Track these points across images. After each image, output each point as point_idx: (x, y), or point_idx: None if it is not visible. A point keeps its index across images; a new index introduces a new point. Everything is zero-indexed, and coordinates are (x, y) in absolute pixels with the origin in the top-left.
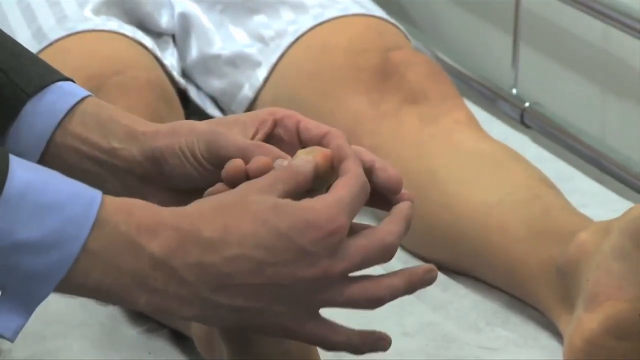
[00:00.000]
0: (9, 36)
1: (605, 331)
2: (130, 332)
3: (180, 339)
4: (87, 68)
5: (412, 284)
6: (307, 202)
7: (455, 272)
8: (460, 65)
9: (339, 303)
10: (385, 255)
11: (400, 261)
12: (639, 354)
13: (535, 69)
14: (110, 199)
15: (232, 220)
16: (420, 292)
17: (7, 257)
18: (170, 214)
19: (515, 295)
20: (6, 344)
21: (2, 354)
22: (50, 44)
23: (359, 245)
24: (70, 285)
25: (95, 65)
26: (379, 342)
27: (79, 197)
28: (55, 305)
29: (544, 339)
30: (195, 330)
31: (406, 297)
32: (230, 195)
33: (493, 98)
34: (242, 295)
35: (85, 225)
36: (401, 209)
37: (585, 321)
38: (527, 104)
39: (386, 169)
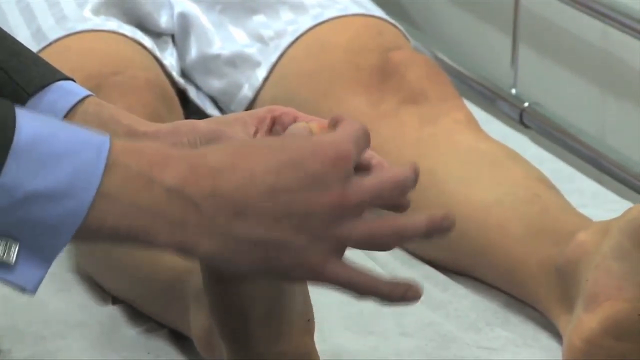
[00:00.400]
0: (10, 35)
1: (604, 331)
2: (130, 332)
3: (179, 339)
4: (86, 68)
5: (431, 226)
6: (311, 137)
7: (455, 272)
8: (460, 65)
9: (360, 237)
10: (401, 191)
11: (400, 261)
12: (638, 354)
13: (534, 69)
14: (118, 142)
15: (238, 152)
16: None
17: (22, 208)
18: (177, 150)
19: (515, 295)
20: (5, 344)
21: (2, 354)
22: (50, 44)
23: (372, 178)
24: (88, 232)
25: (94, 65)
26: (410, 289)
27: (89, 144)
28: (55, 305)
29: (544, 339)
30: (195, 330)
31: None
32: (237, 138)
33: (492, 98)
34: (260, 225)
35: (97, 170)
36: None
37: (585, 321)
38: (526, 104)
39: (382, 165)
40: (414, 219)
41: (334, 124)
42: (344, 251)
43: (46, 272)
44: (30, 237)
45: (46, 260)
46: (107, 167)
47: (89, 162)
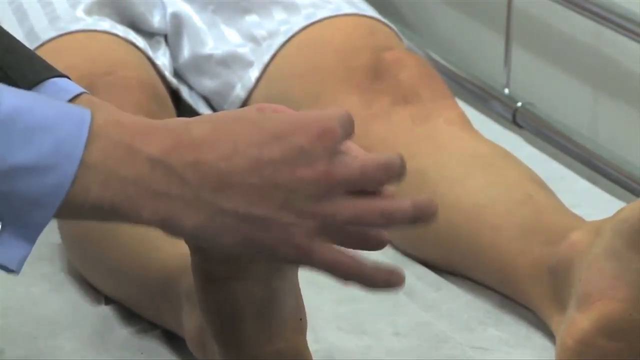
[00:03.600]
0: (7, 32)
1: (597, 331)
2: (123, 332)
3: (172, 339)
4: (79, 68)
5: (417, 210)
6: (296, 112)
7: (448, 272)
8: (453, 65)
9: (346, 216)
10: (385, 173)
11: (392, 261)
12: (631, 354)
13: (527, 68)
14: (100, 114)
15: (221, 124)
16: (412, 292)
17: (4, 183)
18: (160, 121)
19: (508, 295)
20: None
21: None
22: (42, 44)
23: (358, 158)
24: (71, 207)
25: (86, 65)
26: (393, 274)
27: (70, 116)
28: (47, 305)
29: (537, 338)
30: (188, 330)
31: (398, 297)
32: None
33: (485, 98)
34: (245, 198)
35: (79, 142)
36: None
37: (578, 321)
38: (519, 104)
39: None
40: (400, 201)
41: None
42: (331, 233)
43: (30, 251)
44: (13, 214)
45: (30, 238)
46: (89, 139)
47: (71, 134)
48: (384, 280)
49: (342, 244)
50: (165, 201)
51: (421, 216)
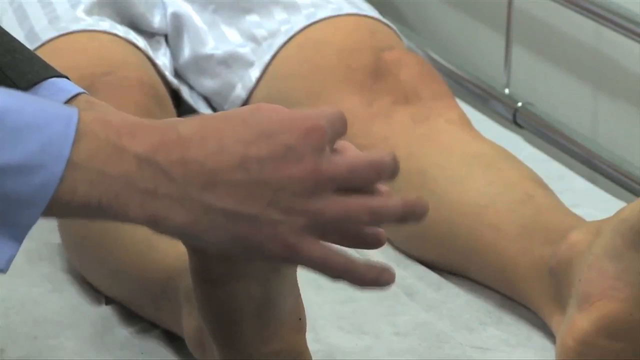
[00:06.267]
0: (6, 32)
1: (597, 331)
2: (123, 332)
3: (172, 339)
4: (79, 68)
5: (407, 208)
6: (285, 109)
7: (448, 272)
8: (453, 65)
9: (335, 214)
10: (375, 172)
11: (393, 261)
12: (631, 354)
13: (527, 68)
14: (86, 113)
15: (208, 122)
16: (412, 292)
17: None
18: (148, 120)
19: (508, 295)
20: (0, 344)
21: None
22: (43, 44)
23: (347, 155)
24: (58, 206)
25: (86, 65)
26: (383, 273)
27: (57, 116)
28: (48, 305)
29: (537, 338)
30: (187, 330)
31: (399, 297)
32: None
33: (486, 98)
34: (232, 196)
35: (66, 141)
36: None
37: (578, 321)
38: (519, 104)
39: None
40: (389, 199)
41: None
42: (320, 230)
43: (17, 250)
44: (1, 213)
45: (18, 237)
46: (76, 138)
47: (58, 134)
48: (373, 279)
49: (338, 243)
50: (152, 199)
51: (411, 215)
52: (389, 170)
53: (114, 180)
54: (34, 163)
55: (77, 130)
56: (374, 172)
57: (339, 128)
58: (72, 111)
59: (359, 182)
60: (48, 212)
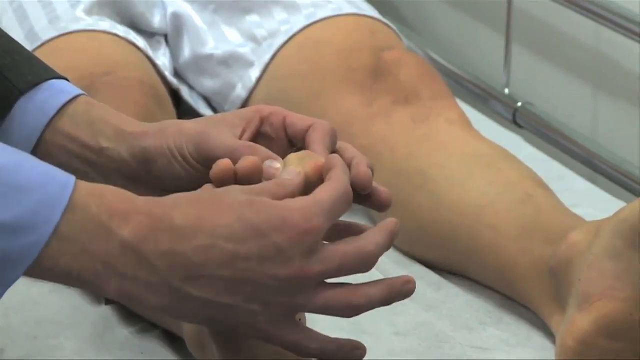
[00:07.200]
0: (5, 34)
1: (597, 331)
2: (123, 333)
3: (172, 339)
4: (79, 68)
5: (391, 295)
6: (284, 202)
7: (448, 272)
8: (453, 65)
9: (315, 308)
10: (364, 264)
11: (393, 261)
12: (631, 354)
13: (527, 68)
14: (83, 184)
15: (205, 211)
16: None
17: None
18: (144, 202)
19: (508, 295)
20: (0, 344)
21: None
22: (43, 44)
23: (337, 250)
24: (39, 270)
25: (86, 65)
26: (355, 351)
27: (53, 180)
28: (48, 305)
29: (537, 338)
30: (187, 330)
31: None
32: (210, 191)
33: (485, 98)
34: (213, 288)
35: (57, 208)
36: (388, 222)
37: (578, 321)
38: (519, 104)
39: (359, 166)
40: (373, 290)
41: (328, 167)
42: (297, 313)
43: None
44: None
45: None
46: (69, 207)
47: (53, 197)
48: (345, 356)
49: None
50: (131, 283)
51: (396, 299)
52: (374, 263)
53: (96, 259)
54: (23, 224)
55: (71, 200)
56: (364, 266)
57: (342, 210)
58: (68, 177)
59: (346, 274)
60: (29, 273)
